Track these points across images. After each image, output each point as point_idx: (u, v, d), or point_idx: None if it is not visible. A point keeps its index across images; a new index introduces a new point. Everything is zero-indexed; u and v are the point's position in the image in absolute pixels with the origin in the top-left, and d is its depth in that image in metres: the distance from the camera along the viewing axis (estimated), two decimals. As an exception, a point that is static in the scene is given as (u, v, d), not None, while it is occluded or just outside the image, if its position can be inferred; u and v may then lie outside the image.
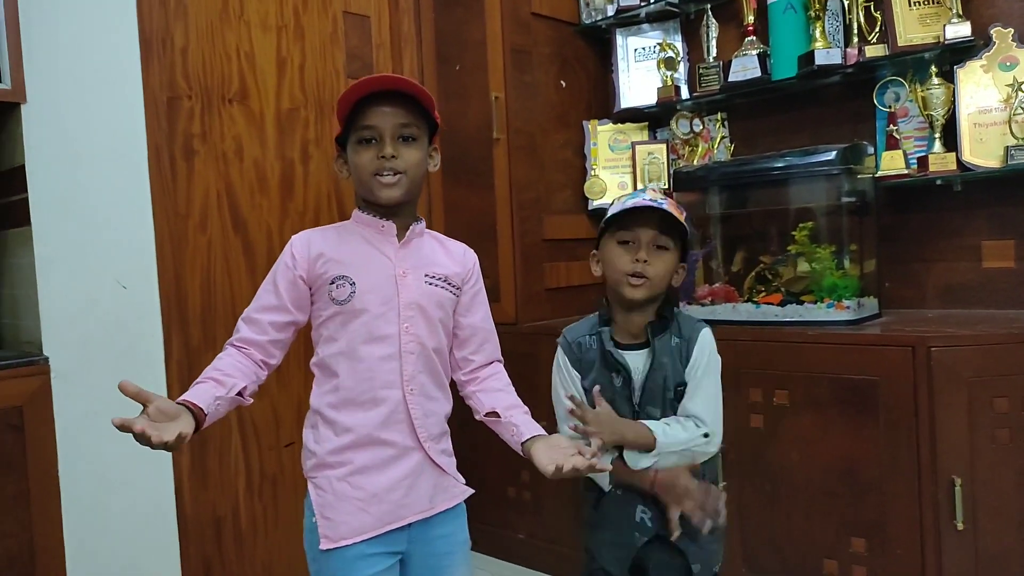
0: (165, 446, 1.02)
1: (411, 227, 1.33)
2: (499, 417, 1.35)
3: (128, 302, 1.86)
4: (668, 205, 1.34)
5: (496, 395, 1.39)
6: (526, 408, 1.39)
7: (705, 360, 1.36)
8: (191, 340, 1.99)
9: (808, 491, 1.85)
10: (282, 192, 2.22)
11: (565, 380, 1.42)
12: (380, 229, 1.30)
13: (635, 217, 1.34)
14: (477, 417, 1.39)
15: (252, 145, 2.15)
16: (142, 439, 1.01)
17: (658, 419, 1.33)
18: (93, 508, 1.77)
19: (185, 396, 1.15)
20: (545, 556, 2.35)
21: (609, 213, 1.40)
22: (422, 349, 1.28)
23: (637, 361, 1.36)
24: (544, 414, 2.25)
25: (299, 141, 2.25)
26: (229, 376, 1.22)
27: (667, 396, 1.34)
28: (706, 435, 1.32)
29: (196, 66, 2.04)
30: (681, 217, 1.35)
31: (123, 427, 1.00)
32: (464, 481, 1.37)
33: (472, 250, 1.42)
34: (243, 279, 2.10)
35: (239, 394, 1.22)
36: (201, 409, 1.13)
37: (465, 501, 1.38)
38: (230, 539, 2.07)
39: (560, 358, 1.44)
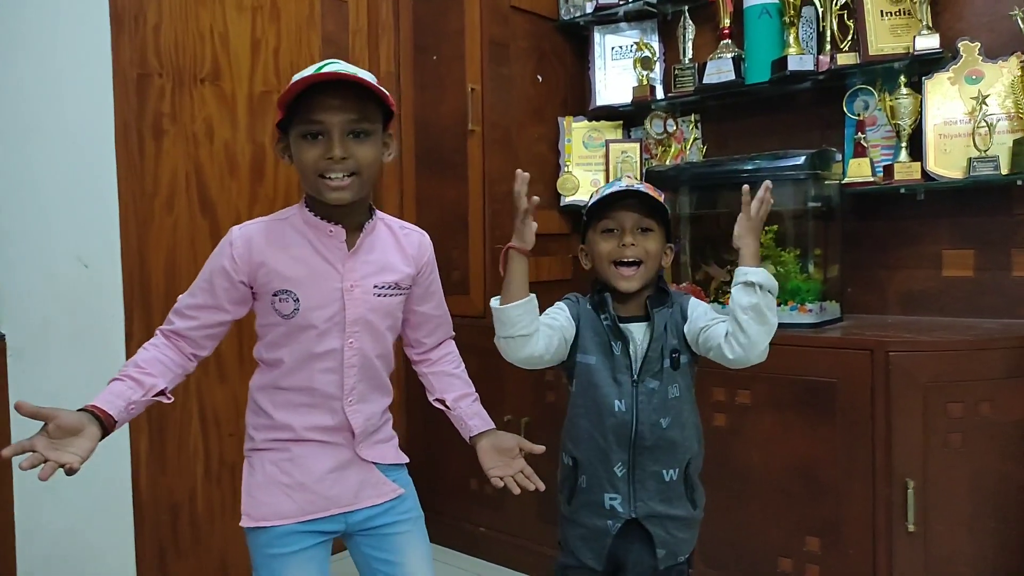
0: (63, 470, 1.02)
1: (364, 226, 1.25)
2: (448, 408, 1.37)
3: (89, 280, 1.83)
4: (646, 188, 1.35)
5: (446, 381, 1.40)
6: (475, 395, 1.41)
7: (706, 305, 1.39)
8: (153, 321, 1.95)
9: (767, 490, 1.88)
10: (252, 176, 2.19)
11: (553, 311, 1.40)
12: (328, 235, 1.22)
13: (615, 205, 1.35)
14: (429, 398, 1.41)
15: (223, 127, 2.13)
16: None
17: (655, 389, 1.34)
18: (46, 488, 1.72)
19: (97, 400, 1.12)
20: (507, 549, 2.36)
21: (588, 205, 1.41)
22: (364, 360, 1.26)
23: (637, 332, 1.38)
24: (507, 408, 2.28)
25: (271, 126, 2.22)
26: (150, 376, 1.18)
27: (663, 365, 1.35)
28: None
29: (168, 44, 2.00)
30: (660, 198, 1.36)
31: (13, 456, 1.01)
32: (406, 460, 1.36)
33: (427, 236, 1.37)
34: (209, 262, 2.07)
35: (159, 394, 1.19)
36: (111, 417, 1.11)
37: (425, 494, 1.39)
38: (186, 525, 2.05)
39: (559, 303, 1.42)
